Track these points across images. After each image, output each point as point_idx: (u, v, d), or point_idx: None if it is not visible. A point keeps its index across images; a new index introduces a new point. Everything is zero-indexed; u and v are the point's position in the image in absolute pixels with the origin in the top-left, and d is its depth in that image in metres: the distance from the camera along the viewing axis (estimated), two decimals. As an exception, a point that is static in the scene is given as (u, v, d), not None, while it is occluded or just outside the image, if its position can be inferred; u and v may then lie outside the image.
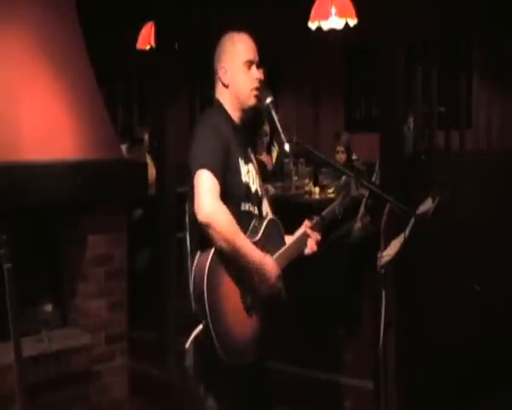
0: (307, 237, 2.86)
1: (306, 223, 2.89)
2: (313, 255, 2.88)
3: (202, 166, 2.54)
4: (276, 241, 2.79)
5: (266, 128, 6.15)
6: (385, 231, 2.91)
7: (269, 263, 2.63)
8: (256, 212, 2.79)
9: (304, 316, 5.13)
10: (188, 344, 2.59)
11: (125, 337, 4.53)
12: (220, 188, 2.55)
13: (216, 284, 2.52)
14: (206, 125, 2.68)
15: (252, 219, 2.74)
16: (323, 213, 2.96)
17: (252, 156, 2.88)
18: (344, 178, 5.70)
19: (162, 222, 5.17)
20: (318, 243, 2.88)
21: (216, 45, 2.80)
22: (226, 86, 2.76)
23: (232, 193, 2.66)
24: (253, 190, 2.79)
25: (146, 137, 7.44)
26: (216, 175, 2.54)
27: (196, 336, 2.56)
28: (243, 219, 2.69)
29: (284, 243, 2.81)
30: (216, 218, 2.49)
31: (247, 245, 2.57)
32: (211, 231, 2.49)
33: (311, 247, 2.86)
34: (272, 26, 7.36)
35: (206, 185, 2.51)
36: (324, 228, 2.93)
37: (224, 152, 2.61)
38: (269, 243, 2.73)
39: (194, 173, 2.55)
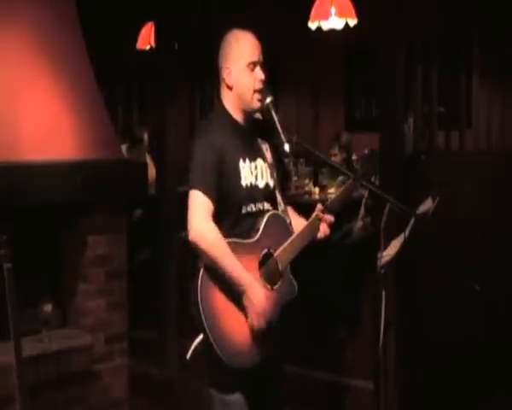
0: (319, 221, 2.84)
1: (319, 206, 2.87)
2: (326, 239, 2.87)
3: (194, 187, 2.62)
4: (280, 235, 2.77)
5: (258, 116, 6.12)
6: (385, 231, 2.91)
7: (256, 291, 2.61)
8: (265, 207, 2.79)
9: (304, 316, 5.13)
10: (189, 354, 2.60)
11: (124, 337, 4.52)
12: (215, 201, 2.61)
13: (211, 294, 2.56)
14: (201, 137, 2.72)
15: (257, 218, 2.74)
16: (333, 197, 2.97)
17: (264, 149, 2.86)
18: (340, 178, 5.71)
19: (162, 222, 5.17)
20: (331, 226, 2.87)
21: (220, 43, 2.79)
22: (230, 87, 2.75)
23: (231, 198, 2.69)
24: (262, 185, 2.79)
25: (146, 137, 7.43)
26: (207, 194, 2.60)
27: (197, 346, 2.57)
28: (245, 222, 2.71)
29: (290, 235, 2.79)
30: (203, 239, 2.56)
31: (234, 267, 2.58)
32: (198, 251, 2.57)
33: (323, 230, 2.84)
34: (272, 26, 7.35)
35: (196, 206, 2.60)
36: (339, 210, 2.91)
37: (218, 164, 2.65)
38: (271, 240, 2.73)
39: (189, 191, 2.64)
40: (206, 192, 2.60)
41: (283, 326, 2.76)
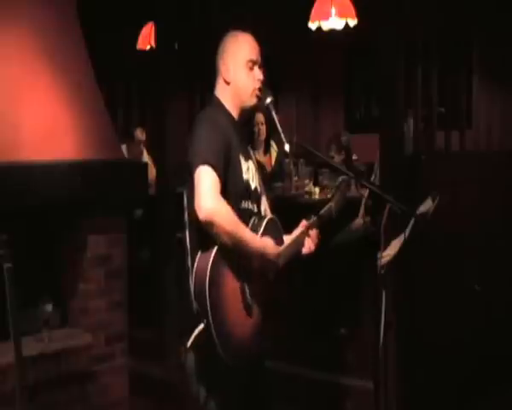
0: (305, 236, 2.86)
1: (303, 222, 2.88)
2: (310, 255, 2.88)
3: (203, 162, 2.51)
4: (276, 240, 2.78)
5: (260, 117, 6.13)
6: (385, 231, 2.91)
7: (270, 245, 2.65)
8: (255, 210, 2.79)
9: (304, 316, 5.13)
10: (189, 343, 2.60)
11: (125, 337, 4.53)
12: (221, 184, 2.54)
13: (217, 284, 2.53)
14: (206, 121, 2.67)
15: (251, 217, 2.74)
16: (320, 212, 2.96)
17: (251, 153, 2.89)
18: (340, 178, 5.70)
19: (162, 222, 5.17)
20: (316, 243, 2.88)
21: (219, 42, 2.81)
22: (228, 83, 2.76)
23: (232, 190, 2.65)
24: (253, 187, 2.79)
25: (138, 132, 7.41)
26: (217, 171, 2.52)
27: (197, 336, 2.56)
28: (243, 217, 2.69)
29: (282, 243, 2.80)
30: (217, 216, 2.47)
31: (248, 235, 2.59)
32: (213, 229, 2.48)
33: (308, 246, 2.85)
34: (272, 26, 7.36)
35: (207, 183, 2.49)
36: (322, 227, 2.93)
37: (225, 147, 2.60)
38: None
39: (195, 169, 2.53)
40: (215, 168, 2.52)
41: (268, 328, 2.75)
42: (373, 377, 3.88)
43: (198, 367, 2.67)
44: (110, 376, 4.42)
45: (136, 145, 7.24)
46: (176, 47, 5.36)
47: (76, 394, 4.20)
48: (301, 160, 6.22)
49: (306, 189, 6.05)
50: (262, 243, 2.63)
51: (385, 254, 2.93)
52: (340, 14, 6.14)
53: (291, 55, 8.03)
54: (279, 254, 2.66)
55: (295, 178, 6.17)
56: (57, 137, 4.20)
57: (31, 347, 3.95)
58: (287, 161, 6.17)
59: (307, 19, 6.28)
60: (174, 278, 5.10)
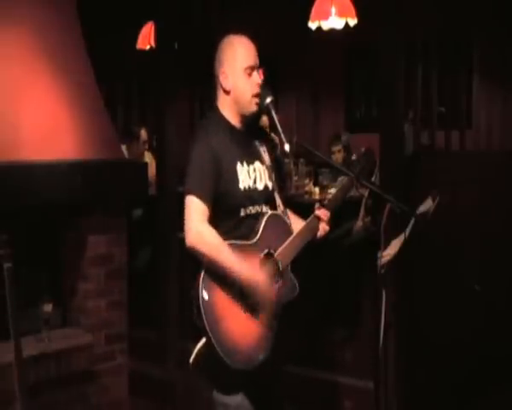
0: (318, 220, 2.86)
1: (317, 206, 2.90)
2: (326, 235, 2.89)
3: (190, 193, 2.64)
4: (280, 234, 2.78)
5: (264, 119, 6.14)
6: (385, 231, 2.91)
7: (259, 278, 2.63)
8: (264, 210, 2.80)
9: (303, 316, 5.13)
10: (192, 359, 2.60)
11: (125, 337, 4.53)
12: (211, 206, 2.63)
13: (213, 298, 2.56)
14: (198, 143, 2.72)
15: (257, 220, 2.75)
16: (331, 195, 3.00)
17: (262, 152, 2.87)
18: (340, 178, 5.70)
19: (162, 222, 5.17)
20: (330, 223, 2.89)
21: (216, 49, 2.81)
22: (227, 92, 2.76)
23: (229, 203, 2.70)
24: (261, 187, 2.80)
25: (142, 132, 7.41)
26: (204, 200, 2.62)
27: (199, 350, 2.58)
28: (244, 225, 2.72)
29: (290, 235, 2.80)
30: (199, 243, 2.58)
31: (234, 263, 2.59)
32: (197, 254, 2.58)
33: (323, 228, 2.87)
34: (272, 26, 7.36)
35: (192, 212, 2.62)
36: (336, 207, 2.93)
37: (214, 171, 2.66)
38: (271, 240, 2.74)
39: (184, 196, 2.66)
40: (202, 197, 2.62)
41: (285, 327, 2.76)
42: (373, 377, 3.88)
43: (204, 368, 2.68)
44: (110, 376, 4.42)
45: (141, 145, 7.23)
46: (176, 47, 5.36)
47: (76, 394, 4.20)
48: (301, 159, 6.23)
49: (306, 189, 6.06)
50: (249, 273, 2.62)
51: (385, 253, 2.94)
52: (340, 14, 6.14)
53: (291, 55, 8.03)
54: (259, 281, 2.64)
55: (295, 178, 6.17)
56: (57, 136, 4.20)
57: (31, 347, 3.95)
58: (287, 160, 6.17)
59: (307, 18, 6.28)
60: (174, 278, 5.11)
